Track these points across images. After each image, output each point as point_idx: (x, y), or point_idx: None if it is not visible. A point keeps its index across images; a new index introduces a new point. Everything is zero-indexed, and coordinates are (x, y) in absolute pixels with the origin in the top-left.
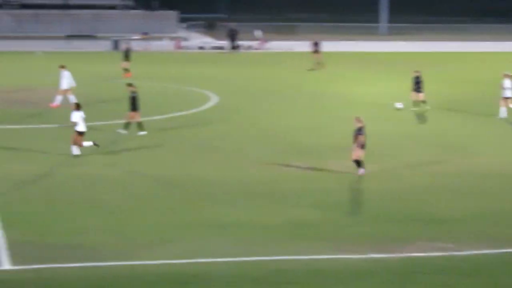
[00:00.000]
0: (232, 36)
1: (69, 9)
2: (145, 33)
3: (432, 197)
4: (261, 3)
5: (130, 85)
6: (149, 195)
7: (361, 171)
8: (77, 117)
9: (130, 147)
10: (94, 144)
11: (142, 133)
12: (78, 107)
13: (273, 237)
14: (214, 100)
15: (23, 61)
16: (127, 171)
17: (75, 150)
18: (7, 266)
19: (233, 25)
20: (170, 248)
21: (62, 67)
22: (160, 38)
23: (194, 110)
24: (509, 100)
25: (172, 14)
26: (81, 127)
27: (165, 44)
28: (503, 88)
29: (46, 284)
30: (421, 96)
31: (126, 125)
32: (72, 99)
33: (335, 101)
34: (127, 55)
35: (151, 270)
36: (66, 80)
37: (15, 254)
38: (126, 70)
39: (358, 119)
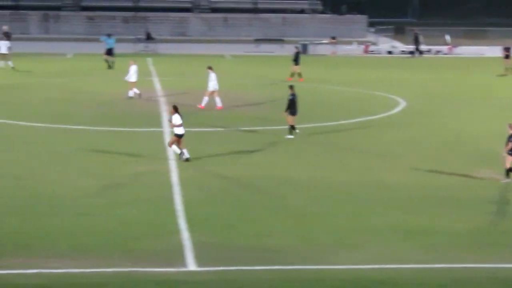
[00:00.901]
0: (416, 40)
1: (258, 13)
2: (333, 38)
3: None
4: (451, 7)
5: (290, 87)
6: (333, 198)
7: (507, 180)
8: (177, 119)
9: (311, 150)
10: (186, 158)
11: (289, 136)
12: (176, 109)
13: (458, 244)
14: (401, 104)
15: (212, 64)
16: (310, 174)
17: (186, 154)
18: (192, 267)
19: (416, 29)
20: (356, 253)
21: (210, 68)
22: (349, 43)
23: (381, 115)
24: None
25: (361, 18)
26: (179, 130)
27: (354, 49)
28: None
29: (230, 286)
30: None
31: (291, 130)
32: (218, 101)
33: None
34: (296, 58)
35: (336, 275)
36: (212, 82)
37: (200, 255)
38: (297, 74)
39: (511, 126)
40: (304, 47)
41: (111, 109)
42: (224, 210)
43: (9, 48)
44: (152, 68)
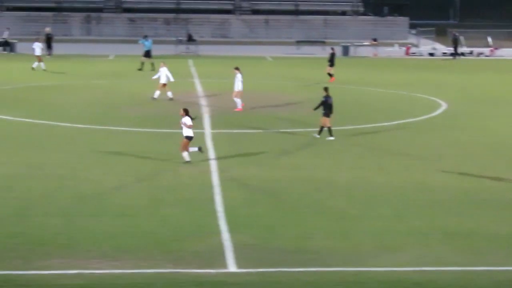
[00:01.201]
0: (455, 42)
1: (299, 15)
2: (375, 40)
3: None
4: (493, 9)
5: (325, 89)
6: (373, 200)
7: None
8: (189, 121)
9: (351, 152)
10: (199, 149)
11: (330, 138)
12: (187, 112)
13: (501, 247)
14: (443, 107)
15: (253, 66)
16: (350, 176)
17: (186, 157)
18: (233, 268)
19: (456, 31)
20: (396, 255)
21: (237, 69)
22: (390, 45)
23: (422, 117)
24: None
25: (403, 20)
26: (189, 132)
27: (395, 51)
28: None
29: None
30: None
31: (329, 131)
32: (238, 101)
33: None
34: (331, 60)
35: (377, 277)
36: (238, 83)
37: (241, 256)
38: (330, 75)
39: None
40: (345, 49)
41: (153, 110)
42: (264, 211)
43: (43, 50)
44: (193, 70)
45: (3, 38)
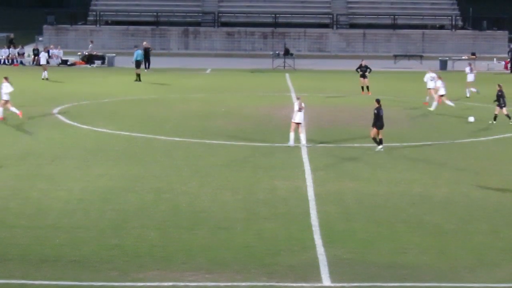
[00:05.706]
0: None
1: (397, 29)
2: (473, 54)
3: None
4: None
5: (377, 101)
6: (472, 216)
7: None
8: None
9: (447, 167)
10: None
11: (379, 148)
12: None
13: None
14: None
15: (350, 80)
16: (447, 191)
17: None
18: (327, 283)
19: None
20: (493, 271)
21: (5, 78)
22: (489, 59)
23: None
24: None
25: (502, 34)
26: None
27: (494, 65)
28: None
29: None
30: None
31: (378, 141)
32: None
33: None
34: (363, 72)
35: None
36: (7, 91)
37: (335, 271)
38: (367, 88)
39: None
40: (443, 63)
41: (249, 124)
42: (359, 226)
43: (47, 60)
44: (289, 84)
45: (87, 52)
